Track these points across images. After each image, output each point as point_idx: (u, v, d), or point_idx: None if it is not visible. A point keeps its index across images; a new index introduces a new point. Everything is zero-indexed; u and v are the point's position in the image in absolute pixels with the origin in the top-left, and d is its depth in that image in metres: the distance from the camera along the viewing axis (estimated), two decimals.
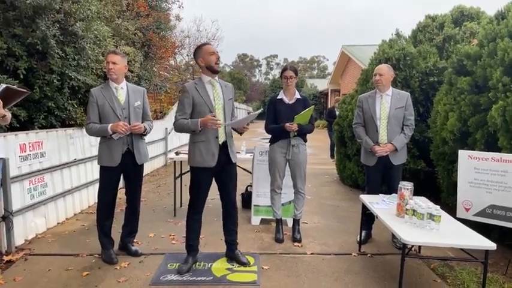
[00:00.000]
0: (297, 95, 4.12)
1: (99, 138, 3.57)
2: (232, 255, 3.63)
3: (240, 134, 3.47)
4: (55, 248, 3.97)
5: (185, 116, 3.30)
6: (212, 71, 3.31)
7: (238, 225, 3.67)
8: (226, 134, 3.37)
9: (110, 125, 3.36)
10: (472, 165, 3.47)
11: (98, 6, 5.01)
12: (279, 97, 4.15)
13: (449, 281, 3.29)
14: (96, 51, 5.20)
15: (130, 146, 3.52)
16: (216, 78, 3.40)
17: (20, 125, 4.27)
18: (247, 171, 5.74)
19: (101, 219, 3.61)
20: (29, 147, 4.17)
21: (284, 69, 4.11)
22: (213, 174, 3.41)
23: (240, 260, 3.57)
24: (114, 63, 3.42)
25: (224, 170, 3.42)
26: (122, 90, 3.54)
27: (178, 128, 3.33)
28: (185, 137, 11.93)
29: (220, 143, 3.33)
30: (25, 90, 2.89)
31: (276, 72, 70.14)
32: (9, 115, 2.87)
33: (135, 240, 3.90)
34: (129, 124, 3.44)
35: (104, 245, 3.65)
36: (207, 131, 3.27)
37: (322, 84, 33.49)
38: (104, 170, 3.54)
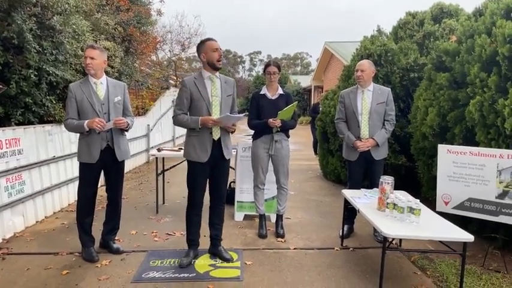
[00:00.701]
0: (280, 91, 4.12)
1: (78, 134, 3.50)
2: (215, 251, 3.63)
3: (229, 132, 3.46)
4: (34, 246, 3.89)
5: (184, 111, 3.34)
6: (213, 67, 3.30)
7: (224, 221, 3.68)
8: (221, 130, 3.37)
9: (86, 121, 3.29)
10: (450, 160, 3.53)
11: (76, 0, 4.90)
12: (261, 92, 4.14)
13: (429, 273, 3.36)
14: (74, 46, 5.08)
15: (110, 142, 3.45)
16: (217, 74, 3.39)
17: None
18: (230, 167, 5.72)
19: (81, 217, 3.54)
20: (6, 144, 4.06)
21: (267, 65, 4.10)
22: (208, 169, 3.41)
23: (223, 256, 3.56)
24: (92, 58, 3.34)
25: (217, 165, 3.44)
26: (101, 85, 3.46)
27: (178, 123, 3.37)
28: (168, 134, 11.85)
29: (215, 138, 3.34)
30: (1, 86, 2.81)
31: (259, 69, 69.97)
32: None
33: (116, 238, 3.85)
34: (109, 120, 3.38)
35: (84, 243, 3.58)
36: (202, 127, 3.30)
37: (305, 81, 33.65)
38: (83, 166, 3.47)
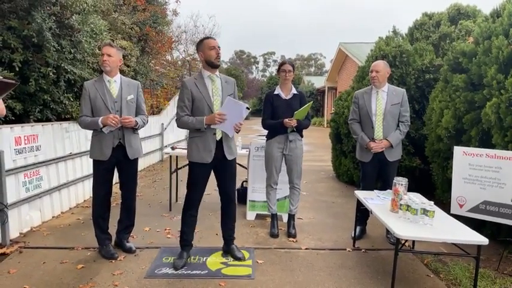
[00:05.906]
0: (294, 91, 4.12)
1: (92, 132, 3.55)
2: (228, 249, 3.65)
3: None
4: (50, 241, 3.97)
5: (187, 113, 3.30)
6: (211, 66, 3.28)
7: (236, 220, 3.68)
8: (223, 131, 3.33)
9: (101, 117, 3.34)
10: (466, 162, 3.49)
11: (94, 0, 4.98)
12: (275, 92, 4.15)
13: (442, 276, 3.33)
14: (92, 45, 5.18)
15: (122, 139, 3.48)
16: (217, 73, 3.37)
17: (15, 118, 4.26)
18: (243, 166, 5.74)
19: (97, 215, 3.57)
20: (24, 140, 4.16)
21: (282, 63, 4.10)
22: (210, 170, 3.41)
23: (235, 254, 3.58)
24: (109, 55, 3.41)
25: (221, 166, 3.41)
26: (115, 83, 3.51)
27: (182, 125, 3.31)
28: (182, 133, 11.93)
29: (218, 139, 3.31)
30: (13, 82, 2.82)
31: (273, 70, 69.99)
32: (2, 107, 2.86)
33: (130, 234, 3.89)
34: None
35: (101, 241, 3.60)
36: None
37: (319, 82, 33.48)
38: (95, 164, 3.52)
